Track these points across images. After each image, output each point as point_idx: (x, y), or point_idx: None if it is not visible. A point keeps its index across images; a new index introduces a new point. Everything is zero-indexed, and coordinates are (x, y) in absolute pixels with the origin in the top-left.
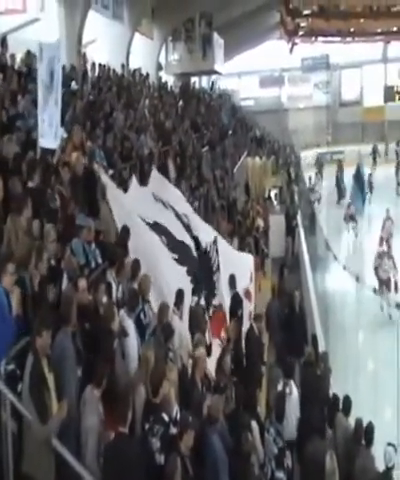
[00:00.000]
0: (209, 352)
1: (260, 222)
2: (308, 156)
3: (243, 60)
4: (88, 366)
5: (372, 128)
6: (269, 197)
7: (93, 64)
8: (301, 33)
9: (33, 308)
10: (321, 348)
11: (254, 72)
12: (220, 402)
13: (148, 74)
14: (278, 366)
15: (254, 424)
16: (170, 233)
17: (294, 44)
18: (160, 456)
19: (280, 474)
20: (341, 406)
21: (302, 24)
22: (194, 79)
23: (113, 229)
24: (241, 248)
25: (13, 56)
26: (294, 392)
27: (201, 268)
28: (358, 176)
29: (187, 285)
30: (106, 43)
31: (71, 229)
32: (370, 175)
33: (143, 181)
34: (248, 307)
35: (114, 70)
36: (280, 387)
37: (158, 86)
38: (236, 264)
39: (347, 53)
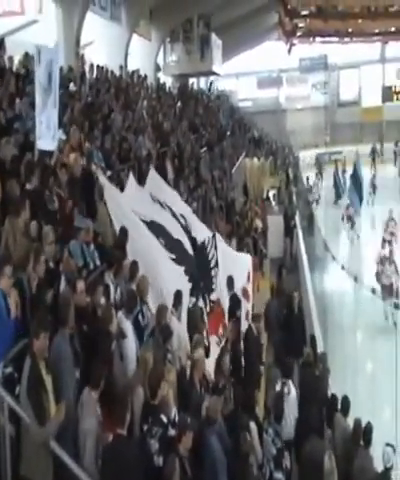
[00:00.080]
0: (207, 353)
1: (258, 223)
2: (306, 157)
3: (241, 61)
4: (86, 368)
5: (370, 128)
6: (267, 198)
7: (91, 65)
8: (299, 34)
9: (31, 310)
10: (320, 349)
11: (252, 73)
12: (218, 403)
13: (146, 75)
14: (276, 366)
15: (252, 425)
16: (167, 233)
17: (292, 45)
18: (158, 458)
19: (279, 475)
20: (340, 406)
21: (300, 25)
22: (192, 80)
23: (110, 231)
24: (239, 249)
25: (11, 58)
26: (292, 392)
27: (198, 264)
28: (355, 176)
29: (185, 285)
30: (104, 44)
31: (69, 231)
32: (373, 176)
33: (141, 182)
34: (246, 306)
35: (112, 71)
36: (278, 387)
37: (156, 87)
38: (234, 264)
39: (345, 53)
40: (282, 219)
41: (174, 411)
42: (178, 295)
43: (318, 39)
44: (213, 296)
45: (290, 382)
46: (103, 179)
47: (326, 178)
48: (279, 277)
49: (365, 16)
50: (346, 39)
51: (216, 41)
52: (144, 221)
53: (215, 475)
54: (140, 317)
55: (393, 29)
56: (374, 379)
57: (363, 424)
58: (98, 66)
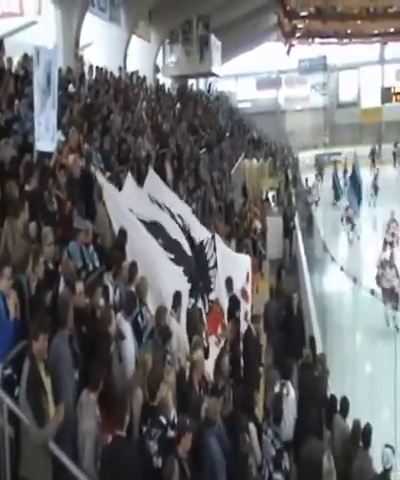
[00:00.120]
0: (207, 354)
1: (257, 224)
2: (306, 158)
3: (240, 62)
4: (85, 369)
5: (369, 129)
6: (266, 199)
7: (90, 67)
8: (298, 35)
9: (30, 312)
10: (319, 350)
11: (251, 74)
12: (218, 404)
13: (145, 76)
14: (275, 367)
15: (252, 426)
16: (166, 233)
17: (291, 46)
18: (158, 459)
19: (278, 476)
20: (339, 407)
21: (299, 26)
22: (191, 81)
23: (109, 232)
24: (239, 250)
25: (10, 59)
26: (291, 393)
27: (196, 264)
28: (354, 178)
29: (184, 285)
30: (103, 46)
31: (68, 232)
32: (375, 177)
33: (140, 183)
34: (245, 307)
35: (111, 73)
36: (277, 388)
37: (155, 88)
38: (233, 265)
39: (344, 54)
40: (281, 220)
41: (173, 412)
42: (177, 296)
43: (317, 40)
44: (212, 296)
45: (289, 383)
46: (102, 179)
47: (326, 179)
48: (278, 278)
49: (364, 17)
50: (345, 40)
51: (215, 42)
52: (142, 221)
53: (214, 476)
54: (139, 318)
55: (392, 30)
56: (373, 380)
57: (362, 425)
58: (97, 67)
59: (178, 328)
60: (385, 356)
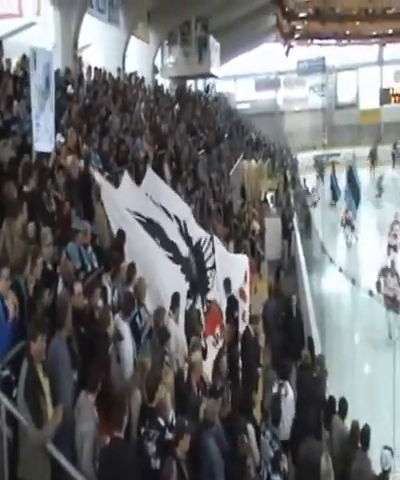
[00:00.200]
0: (205, 355)
1: (256, 225)
2: (304, 159)
3: (239, 63)
4: (83, 370)
5: (368, 130)
6: (265, 200)
7: (89, 68)
8: (297, 36)
9: (29, 313)
10: (317, 351)
11: (250, 75)
12: (216, 406)
13: (144, 77)
14: (274, 368)
15: (250, 427)
16: (163, 233)
17: (290, 47)
18: (156, 461)
19: (276, 477)
20: (337, 409)
21: (298, 27)
22: (190, 82)
23: (107, 233)
24: (237, 251)
25: (9, 61)
26: (290, 393)
27: (194, 264)
28: (351, 179)
29: (183, 285)
30: (102, 47)
31: (67, 233)
32: (380, 178)
33: (138, 183)
34: (243, 307)
35: (110, 74)
36: (275, 389)
37: (154, 89)
38: (231, 267)
39: (343, 56)
40: (280, 221)
41: (171, 414)
42: (176, 297)
43: (316, 41)
44: (209, 296)
45: (287, 383)
46: (100, 179)
47: (327, 180)
48: (277, 279)
49: (363, 18)
50: (344, 41)
51: (214, 43)
52: (140, 221)
53: (212, 477)
54: (137, 319)
55: (391, 31)
56: (372, 381)
57: (361, 426)
58: (96, 68)
59: (176, 329)
60: (384, 357)
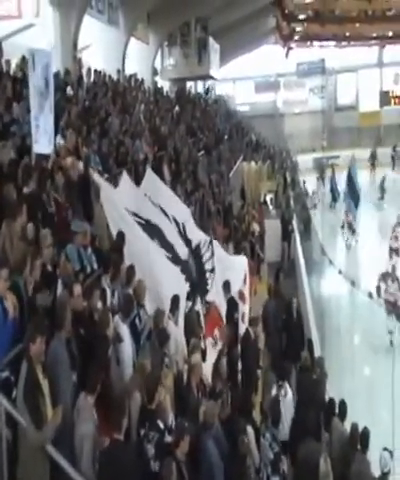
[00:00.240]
0: (204, 357)
1: (256, 227)
2: (304, 161)
3: (238, 65)
4: (83, 372)
5: (368, 133)
6: (265, 202)
7: (88, 69)
8: (296, 38)
9: (28, 314)
10: (317, 353)
11: (249, 77)
12: (215, 407)
13: (143, 79)
14: (273, 370)
15: (250, 429)
16: (162, 234)
17: (289, 49)
18: (155, 463)
19: (276, 479)
20: (337, 411)
21: (297, 29)
22: (190, 84)
23: (106, 234)
24: (237, 253)
25: (8, 62)
26: (289, 393)
27: (192, 265)
28: (350, 181)
29: (183, 286)
30: (101, 48)
31: (66, 234)
32: (383, 180)
33: (138, 184)
34: (242, 309)
35: (109, 75)
36: (275, 390)
37: (154, 91)
38: (230, 269)
39: (342, 58)
40: (279, 223)
41: (171, 418)
42: (175, 300)
43: (315, 43)
44: (208, 297)
45: (286, 384)
46: (99, 179)
47: (327, 183)
48: (276, 281)
49: (362, 20)
50: (343, 43)
51: (213, 45)
52: (139, 223)
53: (212, 479)
54: (137, 321)
55: (391, 33)
56: (371, 383)
57: (360, 428)
58: (95, 70)
59: (176, 331)
60: (383, 359)
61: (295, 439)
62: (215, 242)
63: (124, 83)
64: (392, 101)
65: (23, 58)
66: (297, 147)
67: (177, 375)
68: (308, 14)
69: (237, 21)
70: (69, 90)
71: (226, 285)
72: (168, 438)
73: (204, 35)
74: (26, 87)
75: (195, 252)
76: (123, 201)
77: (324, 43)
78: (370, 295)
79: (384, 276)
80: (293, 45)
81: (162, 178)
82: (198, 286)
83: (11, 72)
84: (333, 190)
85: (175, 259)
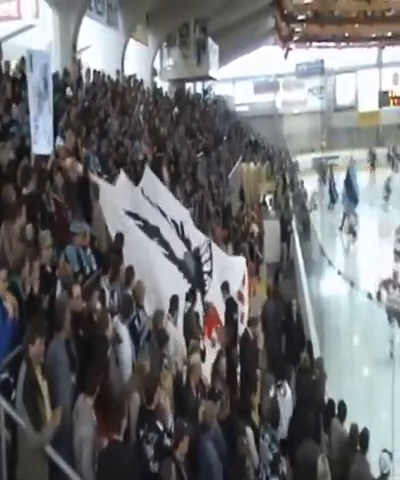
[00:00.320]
0: (203, 357)
1: (255, 227)
2: (303, 161)
3: (237, 66)
4: (82, 373)
5: (367, 133)
6: (264, 202)
7: (88, 70)
8: (296, 38)
9: (27, 315)
10: (316, 354)
11: (248, 78)
12: (214, 408)
13: (142, 80)
14: (272, 370)
15: (249, 430)
16: (160, 234)
17: (289, 49)
18: (154, 464)
19: None
20: (336, 411)
21: (297, 29)
22: (189, 85)
23: (105, 235)
24: (236, 254)
25: (7, 63)
26: (288, 393)
27: (192, 266)
28: (348, 182)
29: (182, 284)
30: (101, 49)
31: (66, 235)
32: (388, 179)
33: (136, 185)
34: (241, 310)
35: (109, 76)
36: (274, 391)
37: (153, 92)
38: (229, 270)
39: (342, 58)
40: (278, 224)
41: (170, 419)
42: (174, 300)
43: (315, 44)
44: (206, 298)
45: (286, 384)
46: (97, 180)
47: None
48: (275, 282)
49: (362, 21)
50: (343, 44)
51: (213, 46)
52: (137, 224)
53: None
54: (136, 322)
55: (390, 34)
56: (371, 384)
57: (360, 429)
58: (95, 71)
59: (175, 332)
60: (383, 360)
61: (294, 440)
62: (213, 244)
63: (123, 84)
64: (391, 101)
65: (22, 59)
66: (296, 147)
67: (176, 376)
68: (307, 15)
69: (236, 22)
70: (68, 91)
71: (225, 286)
72: (167, 441)
73: (203, 36)
74: (25, 88)
75: (194, 254)
76: (121, 202)
77: (323, 44)
78: (369, 296)
79: (385, 283)
80: (292, 46)
81: (161, 179)
82: (197, 287)
83: (10, 73)
84: (331, 191)
85: (173, 258)
